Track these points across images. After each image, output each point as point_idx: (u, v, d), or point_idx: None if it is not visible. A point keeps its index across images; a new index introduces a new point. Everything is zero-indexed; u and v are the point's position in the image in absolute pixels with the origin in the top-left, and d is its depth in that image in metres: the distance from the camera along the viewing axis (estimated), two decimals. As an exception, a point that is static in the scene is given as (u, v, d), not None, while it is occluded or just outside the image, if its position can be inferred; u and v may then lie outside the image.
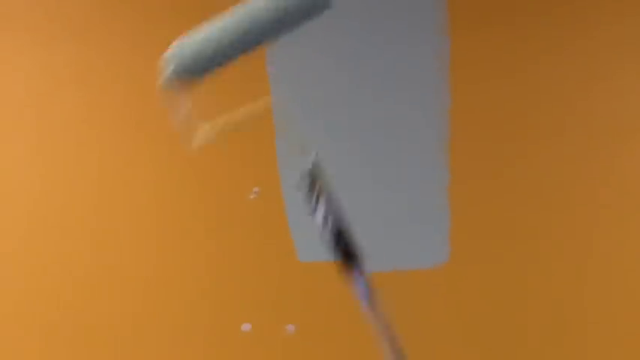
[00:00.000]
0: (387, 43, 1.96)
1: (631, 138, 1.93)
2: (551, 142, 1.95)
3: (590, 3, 1.93)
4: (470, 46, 1.96)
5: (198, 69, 0.97)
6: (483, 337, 1.94)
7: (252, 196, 1.97)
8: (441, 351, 1.94)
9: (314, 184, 0.98)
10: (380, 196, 1.96)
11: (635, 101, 1.92)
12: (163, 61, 0.98)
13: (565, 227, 1.94)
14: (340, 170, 1.96)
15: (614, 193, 1.94)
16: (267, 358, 1.96)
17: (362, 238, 1.96)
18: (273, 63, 1.98)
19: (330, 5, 0.98)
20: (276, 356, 1.96)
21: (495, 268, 1.95)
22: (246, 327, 1.96)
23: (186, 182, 1.99)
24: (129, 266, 1.98)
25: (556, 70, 1.95)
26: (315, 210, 0.98)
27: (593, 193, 1.94)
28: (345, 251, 0.98)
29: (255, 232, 1.96)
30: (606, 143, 1.94)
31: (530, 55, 1.96)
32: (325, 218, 0.98)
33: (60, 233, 1.99)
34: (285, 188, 1.97)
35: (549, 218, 1.94)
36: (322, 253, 1.96)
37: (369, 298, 0.98)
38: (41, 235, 2.00)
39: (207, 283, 1.98)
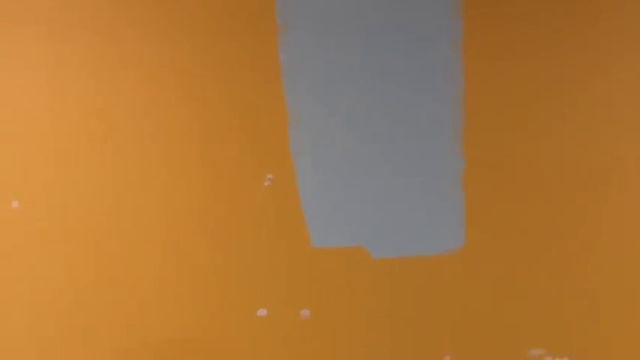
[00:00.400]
0: (399, 28, 1.95)
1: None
2: (568, 128, 1.93)
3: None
4: (485, 31, 1.94)
5: None
6: (498, 322, 1.94)
7: (266, 183, 1.98)
8: (455, 336, 1.95)
9: None
10: (394, 183, 1.96)
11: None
12: None
13: (580, 213, 1.93)
14: (354, 157, 1.97)
15: (632, 180, 1.92)
16: (282, 342, 1.99)
17: (377, 225, 1.97)
18: (284, 50, 1.97)
19: None
20: (292, 340, 1.98)
21: (510, 253, 1.95)
22: (262, 312, 1.99)
23: (200, 170, 2.00)
24: (142, 255, 2.01)
25: (573, 54, 1.93)
26: None
27: (610, 179, 1.92)
28: None
29: (269, 218, 1.98)
30: (626, 129, 1.92)
31: (547, 39, 1.94)
32: None
33: (74, 220, 2.02)
34: (299, 175, 1.97)
35: (564, 204, 1.93)
36: (335, 239, 1.97)
37: None
38: (56, 225, 2.03)
39: (222, 270, 2.00)
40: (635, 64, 1.92)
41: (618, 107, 1.93)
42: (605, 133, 1.93)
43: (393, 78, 1.96)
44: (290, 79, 1.97)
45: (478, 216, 1.95)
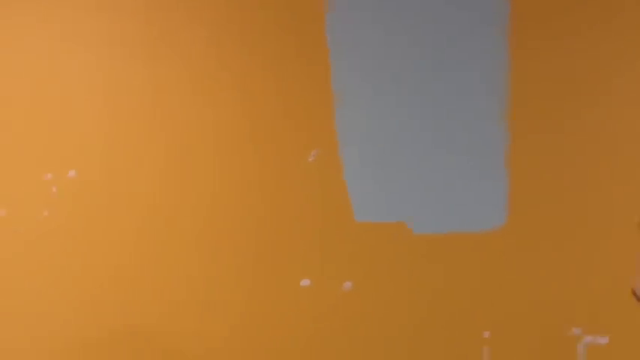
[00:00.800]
0: (445, 9, 1.95)
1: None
2: (615, 107, 1.91)
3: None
4: (531, 9, 1.92)
5: None
6: (538, 300, 1.95)
7: (310, 159, 2.02)
8: (495, 313, 1.96)
9: None
10: (438, 160, 1.97)
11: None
12: None
13: (625, 193, 1.91)
14: (400, 133, 1.98)
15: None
16: (325, 312, 2.03)
17: (419, 201, 1.98)
18: (331, 31, 1.99)
19: None
20: (334, 311, 2.02)
21: (551, 232, 1.94)
22: (305, 283, 2.03)
23: (247, 145, 2.04)
24: (190, 225, 2.06)
25: (621, 33, 1.90)
26: None
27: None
28: None
29: (314, 193, 2.01)
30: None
31: (593, 17, 1.91)
32: None
33: (128, 187, 2.09)
34: (343, 151, 2.00)
35: (608, 183, 1.92)
36: (377, 215, 2.00)
37: None
38: (109, 193, 2.10)
39: (267, 241, 2.04)
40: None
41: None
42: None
43: (438, 57, 1.96)
44: (337, 58, 1.99)
45: (520, 194, 1.95)
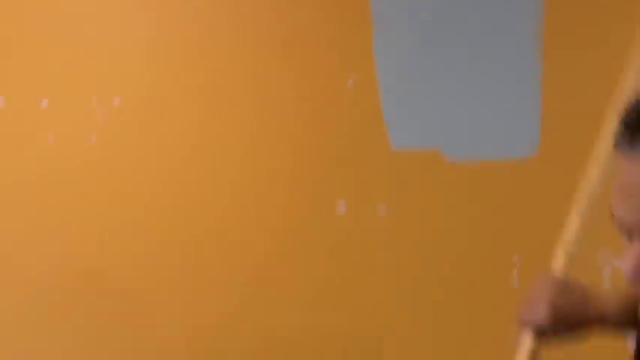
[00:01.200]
0: None
1: None
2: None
3: None
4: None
5: None
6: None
7: (349, 85, 2.06)
8: (525, 238, 2.01)
9: None
10: (471, 86, 2.01)
11: None
12: None
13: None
14: (434, 62, 2.01)
15: None
16: (359, 237, 2.09)
17: (452, 128, 2.02)
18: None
19: None
20: (368, 235, 2.09)
21: (585, 159, 1.97)
22: (341, 207, 2.09)
23: (286, 71, 2.09)
24: (226, 151, 2.13)
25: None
26: None
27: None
28: None
29: (350, 119, 2.06)
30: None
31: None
32: None
33: (168, 115, 2.16)
34: (381, 77, 2.04)
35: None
36: (412, 141, 2.04)
37: None
38: (150, 120, 2.17)
39: (303, 165, 2.10)
40: None
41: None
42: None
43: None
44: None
45: (554, 121, 1.97)
